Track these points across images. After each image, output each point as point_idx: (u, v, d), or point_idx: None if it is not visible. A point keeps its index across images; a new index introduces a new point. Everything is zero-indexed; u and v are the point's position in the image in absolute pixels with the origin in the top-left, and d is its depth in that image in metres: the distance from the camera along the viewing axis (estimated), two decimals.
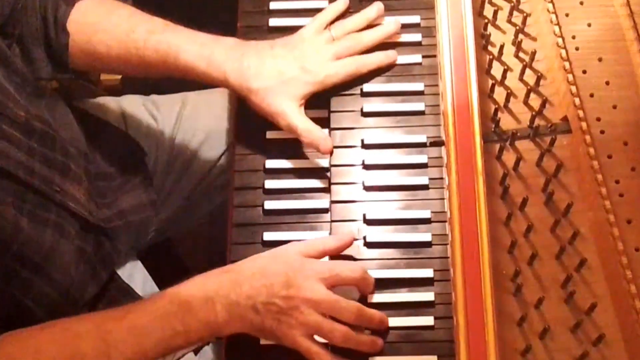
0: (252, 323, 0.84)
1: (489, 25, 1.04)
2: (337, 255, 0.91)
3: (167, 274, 0.94)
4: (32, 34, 0.99)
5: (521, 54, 1.02)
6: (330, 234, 0.95)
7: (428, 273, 0.92)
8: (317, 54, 0.97)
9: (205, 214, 1.30)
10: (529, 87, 0.99)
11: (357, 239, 0.94)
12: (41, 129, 0.94)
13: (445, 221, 0.94)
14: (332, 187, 0.97)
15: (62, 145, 0.98)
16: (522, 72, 1.00)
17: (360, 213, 0.96)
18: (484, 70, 1.01)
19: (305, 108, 0.99)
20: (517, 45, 1.02)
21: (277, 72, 0.94)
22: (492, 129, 0.98)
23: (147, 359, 0.82)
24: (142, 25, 0.98)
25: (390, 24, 1.02)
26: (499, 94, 1.00)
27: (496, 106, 0.99)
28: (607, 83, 0.98)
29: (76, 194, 0.98)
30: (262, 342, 0.89)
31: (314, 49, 0.97)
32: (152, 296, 0.86)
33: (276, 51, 0.96)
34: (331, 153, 0.97)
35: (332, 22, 1.03)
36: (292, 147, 0.99)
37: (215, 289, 0.84)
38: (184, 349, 0.86)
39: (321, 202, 0.97)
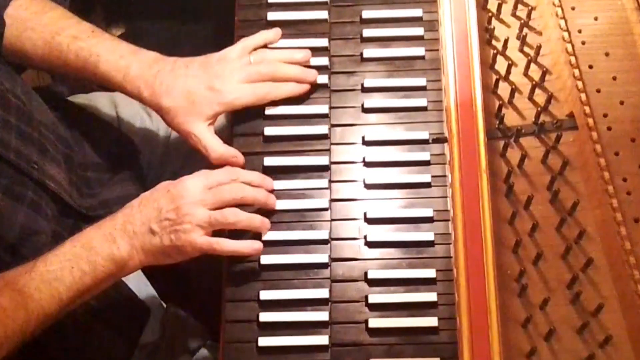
0: (154, 247, 0.89)
1: (493, 18, 1.03)
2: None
3: (160, 270, 0.94)
4: None
5: (526, 49, 1.01)
6: (330, 233, 0.93)
7: (430, 273, 0.90)
8: (229, 75, 0.98)
9: None
10: (534, 83, 0.98)
11: (357, 238, 0.93)
12: (17, 104, 0.96)
13: (448, 220, 0.93)
14: (332, 185, 0.96)
15: (38, 125, 0.99)
16: (527, 67, 0.99)
17: (361, 212, 0.94)
18: (487, 65, 1.00)
19: (305, 105, 0.98)
20: (522, 39, 1.00)
21: (186, 92, 0.97)
22: (496, 126, 0.97)
23: (63, 303, 0.86)
24: (68, 30, 1.01)
25: (310, 72, 1.00)
26: (504, 89, 0.99)
27: (500, 102, 0.98)
28: (614, 78, 0.97)
29: (56, 175, 0.99)
30: (260, 344, 0.88)
31: (228, 69, 0.98)
32: (57, 246, 0.89)
33: (190, 70, 0.98)
34: (243, 167, 0.97)
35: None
36: (291, 144, 0.98)
37: (112, 224, 0.90)
38: (95, 288, 0.90)
39: (321, 200, 0.95)
